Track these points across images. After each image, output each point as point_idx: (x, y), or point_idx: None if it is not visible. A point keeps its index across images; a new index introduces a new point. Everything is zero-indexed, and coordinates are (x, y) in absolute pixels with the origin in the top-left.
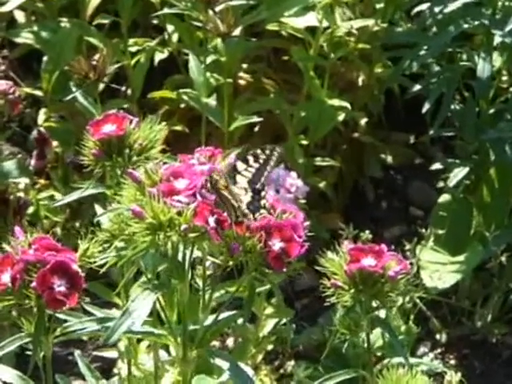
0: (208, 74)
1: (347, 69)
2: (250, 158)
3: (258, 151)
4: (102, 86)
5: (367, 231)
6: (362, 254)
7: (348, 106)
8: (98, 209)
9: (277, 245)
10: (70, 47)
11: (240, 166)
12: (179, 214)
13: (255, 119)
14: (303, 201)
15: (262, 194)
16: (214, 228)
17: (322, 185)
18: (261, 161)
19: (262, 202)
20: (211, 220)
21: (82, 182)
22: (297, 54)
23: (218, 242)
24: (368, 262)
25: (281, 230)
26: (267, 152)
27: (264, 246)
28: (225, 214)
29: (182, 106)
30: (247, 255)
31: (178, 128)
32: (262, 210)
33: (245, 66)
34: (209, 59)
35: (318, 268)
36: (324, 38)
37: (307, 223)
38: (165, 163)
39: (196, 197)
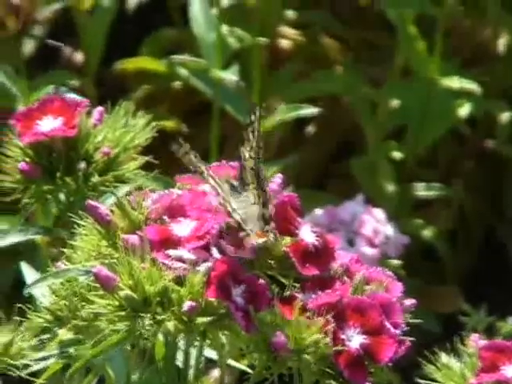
0: (225, 29)
1: (476, 24)
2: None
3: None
4: (30, 44)
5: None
6: (503, 358)
7: (477, 89)
8: (28, 270)
9: (355, 339)
10: None
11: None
12: (180, 281)
13: (309, 111)
14: (396, 260)
15: (266, 191)
16: (241, 308)
17: (428, 232)
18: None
19: (267, 210)
20: (237, 292)
21: None
22: None
23: (250, 332)
24: None
25: (363, 312)
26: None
27: (333, 342)
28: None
29: (177, 84)
30: (301, 357)
31: (169, 125)
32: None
33: (290, 14)
34: (226, 1)
35: (420, 381)
36: None
37: (410, 302)
38: (153, 191)
39: (210, 251)
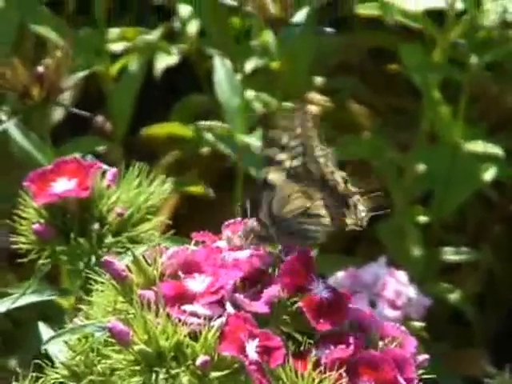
0: (250, 94)
1: (502, 87)
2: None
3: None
4: (59, 112)
5: None
6: None
7: (501, 153)
8: (46, 330)
9: None
10: (2, 41)
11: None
12: (194, 336)
13: None
14: (420, 323)
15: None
16: (255, 362)
17: (454, 296)
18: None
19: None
20: (251, 347)
21: (18, 284)
22: (410, 59)
23: None
24: None
25: (376, 367)
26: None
27: None
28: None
29: (205, 150)
30: None
31: (197, 190)
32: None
33: (319, 79)
34: (250, 65)
35: None
36: (459, 30)
37: (424, 357)
38: (167, 247)
39: (224, 306)
